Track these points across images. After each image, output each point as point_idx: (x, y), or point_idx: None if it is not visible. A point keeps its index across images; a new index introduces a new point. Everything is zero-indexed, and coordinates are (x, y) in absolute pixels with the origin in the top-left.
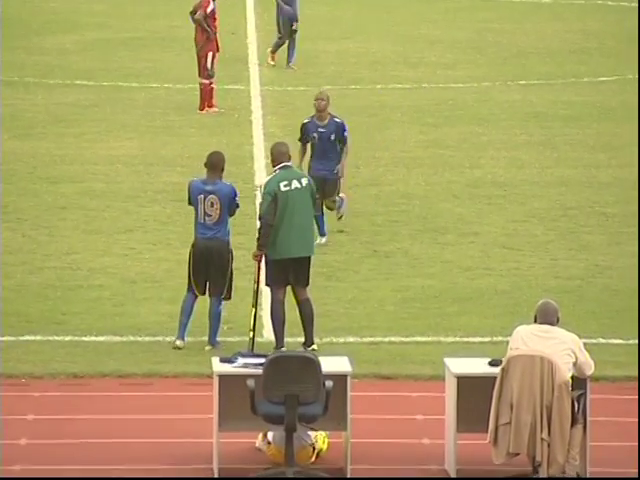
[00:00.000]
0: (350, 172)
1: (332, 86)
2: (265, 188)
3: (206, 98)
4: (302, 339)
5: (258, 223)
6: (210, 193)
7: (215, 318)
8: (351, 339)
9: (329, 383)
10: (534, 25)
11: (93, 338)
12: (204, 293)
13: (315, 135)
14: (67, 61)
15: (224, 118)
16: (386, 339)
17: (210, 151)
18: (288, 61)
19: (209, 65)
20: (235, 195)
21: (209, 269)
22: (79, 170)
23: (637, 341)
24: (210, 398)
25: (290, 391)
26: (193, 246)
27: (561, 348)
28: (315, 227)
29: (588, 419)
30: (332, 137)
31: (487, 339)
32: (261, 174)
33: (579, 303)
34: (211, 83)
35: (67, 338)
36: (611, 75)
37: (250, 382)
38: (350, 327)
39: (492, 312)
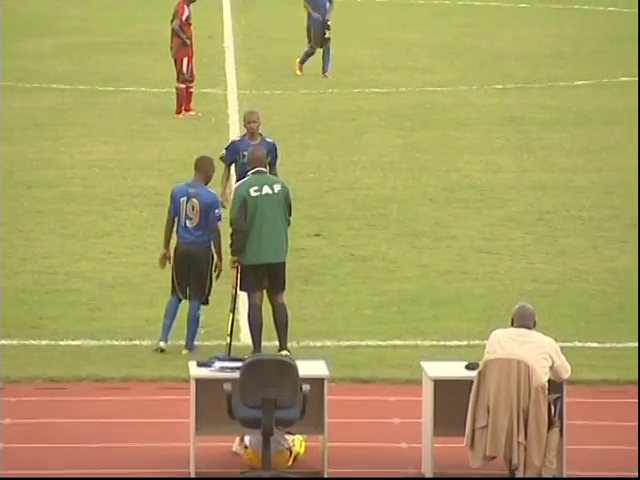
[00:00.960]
0: (327, 176)
1: (309, 90)
2: (235, 193)
3: (183, 102)
4: (278, 342)
5: (230, 229)
6: (192, 197)
7: (193, 322)
8: (328, 343)
9: (306, 387)
10: (511, 29)
11: (70, 342)
12: (187, 297)
13: (246, 154)
14: (44, 65)
15: (201, 122)
16: (363, 343)
17: (199, 155)
18: (323, 70)
19: (185, 70)
20: (216, 206)
21: (189, 273)
22: (56, 174)
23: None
24: (187, 402)
25: (267, 395)
26: (175, 250)
27: (538, 352)
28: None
29: (565, 422)
30: None
31: (464, 343)
32: None
33: (556, 307)
34: (189, 87)
35: (44, 342)
36: (587, 79)
37: (227, 386)
38: (327, 331)
39: (469, 316)
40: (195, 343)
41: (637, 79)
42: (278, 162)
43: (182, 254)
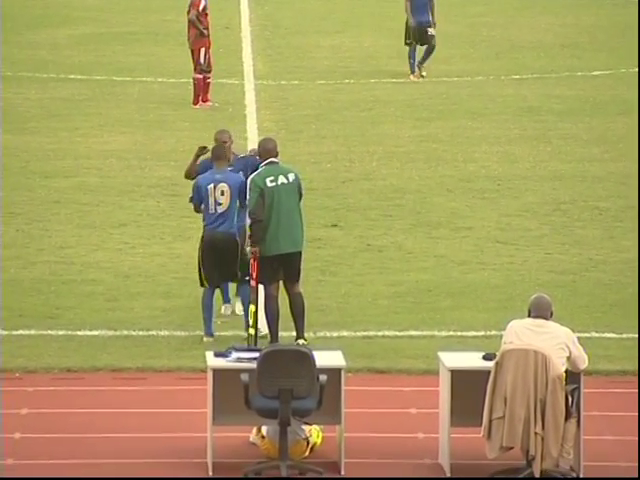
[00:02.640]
0: (343, 166)
1: (325, 81)
2: (251, 184)
3: (200, 92)
4: (295, 333)
5: (248, 220)
6: (220, 182)
7: (245, 301)
8: (345, 333)
9: (323, 377)
10: (527, 19)
11: (87, 332)
12: (218, 285)
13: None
14: (60, 55)
15: (218, 112)
16: (380, 333)
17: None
18: (420, 62)
19: (202, 60)
20: (245, 186)
21: (219, 260)
22: (72, 164)
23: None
24: (204, 392)
25: (284, 385)
26: (202, 239)
27: (555, 342)
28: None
29: (582, 413)
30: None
31: (481, 333)
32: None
33: (573, 297)
34: (206, 78)
35: (61, 332)
36: (604, 69)
37: (244, 376)
38: (344, 321)
39: (486, 306)
40: (250, 320)
41: (637, 70)
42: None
43: (209, 242)
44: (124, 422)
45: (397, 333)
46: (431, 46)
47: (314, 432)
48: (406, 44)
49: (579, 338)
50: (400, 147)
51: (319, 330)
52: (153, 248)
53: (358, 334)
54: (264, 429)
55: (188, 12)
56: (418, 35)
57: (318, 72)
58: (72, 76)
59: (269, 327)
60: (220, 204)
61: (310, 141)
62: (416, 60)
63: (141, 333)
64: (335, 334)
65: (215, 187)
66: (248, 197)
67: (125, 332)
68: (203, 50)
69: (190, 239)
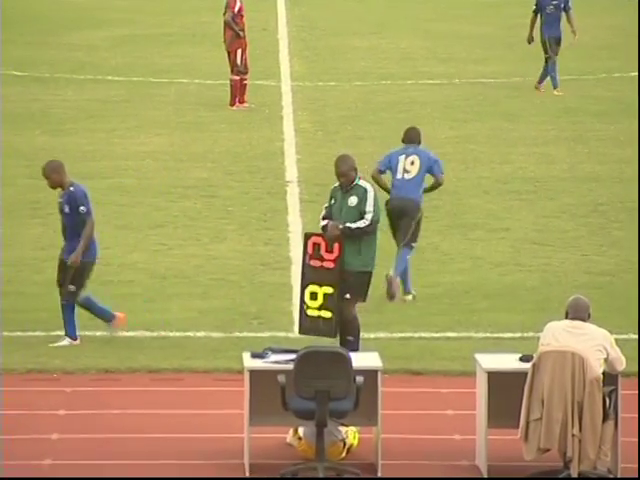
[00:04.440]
0: None
1: (362, 82)
2: (375, 196)
3: (237, 94)
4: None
5: (365, 222)
6: (412, 154)
7: (400, 264)
8: (381, 334)
9: (359, 378)
10: (564, 21)
11: (124, 333)
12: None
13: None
14: (97, 57)
15: (254, 114)
16: (416, 335)
17: (408, 127)
18: (540, 81)
19: (238, 62)
20: (437, 162)
21: (399, 223)
22: (109, 166)
23: (637, 337)
24: (241, 393)
25: (321, 387)
26: (386, 204)
27: (592, 344)
28: None
29: (619, 415)
30: (66, 209)
31: (517, 335)
32: (292, 169)
33: (610, 299)
34: (243, 79)
35: (98, 333)
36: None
37: (281, 377)
38: (380, 322)
39: (522, 308)
40: (411, 289)
41: (637, 74)
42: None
43: (394, 206)
44: (161, 423)
45: (433, 334)
46: (552, 62)
47: (351, 433)
48: (546, 59)
49: (617, 340)
50: (436, 148)
51: None
52: (189, 249)
53: (394, 335)
54: (301, 430)
55: (224, 13)
56: (554, 48)
57: (355, 73)
58: (109, 77)
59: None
60: (408, 172)
61: (347, 142)
62: (557, 74)
63: (178, 334)
64: (372, 335)
65: (407, 157)
66: (375, 208)
67: (162, 333)
68: (239, 51)
69: (226, 240)
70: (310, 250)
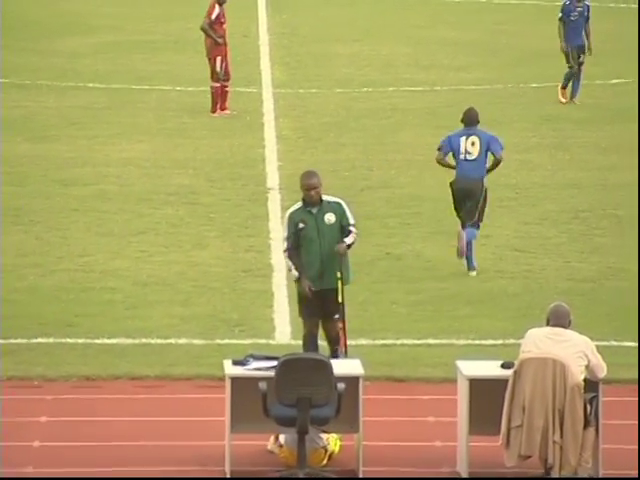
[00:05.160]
0: (362, 174)
1: (344, 89)
2: (352, 211)
3: (218, 101)
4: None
5: (355, 235)
6: (472, 134)
7: (468, 242)
8: (363, 341)
9: (341, 385)
10: (547, 27)
11: (105, 340)
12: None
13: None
14: (80, 64)
15: (236, 120)
16: (398, 341)
17: (466, 108)
18: (572, 95)
19: (218, 68)
20: (496, 139)
21: (466, 204)
22: (91, 172)
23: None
24: (222, 400)
25: (302, 393)
26: (451, 184)
27: (573, 351)
28: None
29: (600, 422)
30: None
31: (499, 342)
32: (273, 176)
33: (591, 305)
34: (225, 87)
35: (80, 340)
36: (624, 77)
37: (262, 384)
38: (362, 329)
39: (504, 315)
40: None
41: (637, 80)
42: None
43: (460, 186)
44: (142, 430)
45: (415, 341)
46: (572, 71)
47: (332, 440)
48: (570, 67)
49: (598, 346)
50: (419, 155)
51: None
52: (171, 256)
53: (377, 342)
54: (282, 437)
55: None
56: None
57: (336, 80)
58: (91, 84)
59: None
60: (470, 153)
61: (329, 149)
62: (580, 85)
63: (159, 341)
64: (353, 342)
65: (467, 139)
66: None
67: (144, 340)
68: (219, 58)
69: (208, 247)
70: None
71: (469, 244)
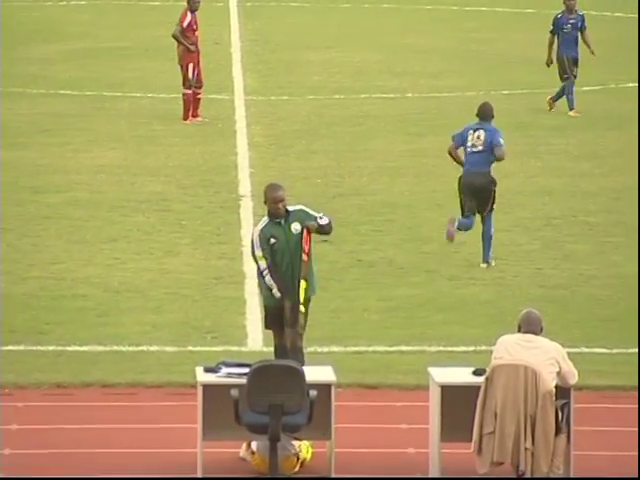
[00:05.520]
0: (334, 182)
1: (316, 96)
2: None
3: (190, 108)
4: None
5: (326, 219)
6: (480, 129)
7: (487, 237)
8: (335, 348)
9: (313, 392)
10: (518, 34)
11: (77, 348)
12: (474, 214)
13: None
14: (51, 71)
15: (208, 128)
16: (370, 348)
17: (481, 102)
18: (553, 100)
19: (190, 75)
20: (498, 134)
21: (476, 197)
22: (63, 180)
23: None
24: (194, 408)
25: (274, 401)
26: (460, 179)
27: (545, 357)
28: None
29: (572, 428)
30: None
31: (471, 348)
32: (245, 183)
33: (563, 312)
34: (197, 94)
35: (51, 348)
36: (595, 85)
37: (234, 392)
38: (334, 336)
39: (476, 321)
40: (490, 258)
41: (637, 85)
42: None
43: (467, 181)
44: (114, 438)
45: (387, 348)
46: (570, 82)
47: (304, 447)
48: (563, 79)
49: (569, 353)
50: (390, 162)
51: (309, 345)
52: (143, 263)
53: (349, 349)
54: (254, 444)
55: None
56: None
57: (308, 87)
58: (62, 91)
59: None
60: (476, 146)
61: (300, 156)
62: (574, 96)
63: (131, 348)
64: (325, 349)
65: (475, 132)
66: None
67: (115, 347)
68: (191, 65)
69: (179, 254)
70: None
71: (489, 240)
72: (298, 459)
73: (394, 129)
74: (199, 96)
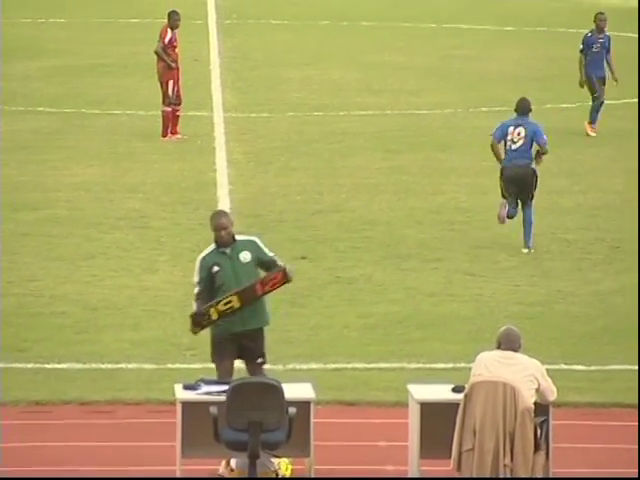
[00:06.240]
0: (313, 198)
1: (295, 113)
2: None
3: (169, 125)
4: (264, 365)
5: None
6: (519, 125)
7: (528, 223)
8: (314, 365)
9: (292, 410)
10: (497, 52)
11: (55, 365)
12: (517, 204)
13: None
14: (30, 88)
15: (187, 145)
16: (349, 365)
17: (520, 97)
18: (591, 122)
19: (170, 93)
20: (540, 131)
21: (518, 187)
22: (41, 197)
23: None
24: (173, 425)
25: (253, 418)
26: (502, 172)
27: (524, 374)
28: None
29: (551, 445)
30: None
31: (450, 365)
32: (224, 200)
33: (541, 329)
34: (176, 111)
35: (29, 365)
36: (573, 102)
37: (213, 409)
38: (313, 353)
39: (455, 338)
40: (530, 244)
41: (637, 100)
42: None
43: (509, 173)
44: (93, 455)
45: (367, 365)
46: (599, 101)
47: (283, 465)
48: (594, 99)
49: (548, 370)
50: (369, 179)
51: (288, 362)
52: (121, 280)
53: (328, 366)
54: (233, 462)
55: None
56: (600, 88)
57: (287, 104)
58: (41, 108)
59: None
60: (515, 142)
61: (280, 173)
62: (600, 115)
63: (110, 366)
64: (305, 366)
65: (515, 129)
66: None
67: (94, 365)
68: (171, 82)
69: (158, 271)
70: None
71: (529, 226)
72: (277, 476)
73: (373, 146)
74: (178, 113)
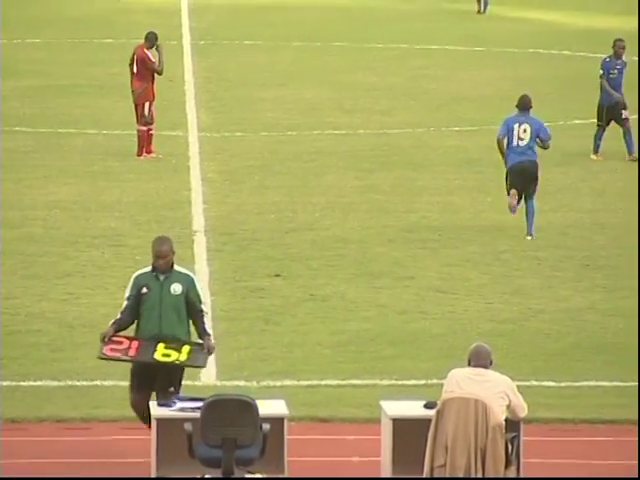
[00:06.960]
0: (287, 217)
1: (269, 132)
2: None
3: (144, 144)
4: (238, 382)
5: (207, 314)
6: (524, 122)
7: (531, 213)
8: (288, 382)
9: (266, 426)
10: (467, 72)
11: (31, 383)
12: (520, 197)
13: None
14: (5, 107)
15: (162, 164)
16: (323, 382)
17: (521, 93)
18: (629, 152)
19: (146, 112)
20: (545, 128)
21: (526, 180)
22: (17, 215)
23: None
24: (148, 442)
25: (227, 434)
26: (510, 168)
27: (495, 391)
28: None
29: (521, 461)
30: None
31: (422, 382)
32: (199, 219)
33: (512, 346)
34: (149, 130)
35: (5, 383)
36: (544, 121)
37: (187, 426)
38: (287, 370)
39: (427, 355)
40: (532, 231)
41: (637, 115)
42: None
43: (516, 169)
44: (69, 472)
45: (340, 382)
46: (626, 128)
47: None
48: (598, 125)
49: (519, 386)
50: (343, 198)
51: (262, 379)
52: (97, 298)
53: (301, 383)
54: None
55: (130, 64)
56: (611, 115)
57: (261, 124)
58: (17, 128)
59: None
60: (522, 139)
61: (254, 192)
62: (602, 142)
63: (85, 383)
64: (278, 383)
65: (520, 125)
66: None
67: (70, 382)
68: (147, 104)
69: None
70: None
71: (532, 216)
72: None
73: (346, 165)
74: (151, 132)
